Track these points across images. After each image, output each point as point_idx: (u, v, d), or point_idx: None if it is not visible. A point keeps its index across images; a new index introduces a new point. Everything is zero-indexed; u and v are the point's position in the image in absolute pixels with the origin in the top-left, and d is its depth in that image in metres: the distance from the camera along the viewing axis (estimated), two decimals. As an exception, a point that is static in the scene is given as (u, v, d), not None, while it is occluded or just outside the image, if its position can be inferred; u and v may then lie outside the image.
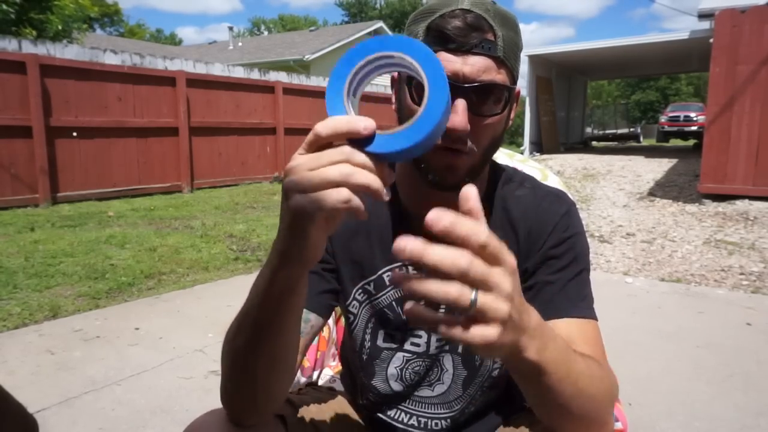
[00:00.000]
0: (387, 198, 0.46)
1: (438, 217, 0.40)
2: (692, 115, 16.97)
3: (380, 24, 21.06)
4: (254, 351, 0.59)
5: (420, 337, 0.79)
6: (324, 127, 0.46)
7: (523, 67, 12.23)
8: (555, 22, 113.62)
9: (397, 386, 0.82)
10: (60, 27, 10.75)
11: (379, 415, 0.84)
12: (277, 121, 9.36)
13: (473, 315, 0.41)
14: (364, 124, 0.45)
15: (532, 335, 0.48)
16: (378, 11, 40.30)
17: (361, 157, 0.45)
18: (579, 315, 0.70)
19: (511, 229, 0.77)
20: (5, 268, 3.53)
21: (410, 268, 0.78)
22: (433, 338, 0.79)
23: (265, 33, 40.97)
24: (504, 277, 0.42)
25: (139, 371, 2.20)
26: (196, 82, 8.06)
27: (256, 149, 9.15)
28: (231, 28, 23.28)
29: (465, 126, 0.62)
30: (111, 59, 7.55)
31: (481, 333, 0.41)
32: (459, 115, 0.62)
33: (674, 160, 10.32)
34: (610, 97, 40.72)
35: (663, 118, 18.55)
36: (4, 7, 9.65)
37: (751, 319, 2.86)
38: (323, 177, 0.44)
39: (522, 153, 9.77)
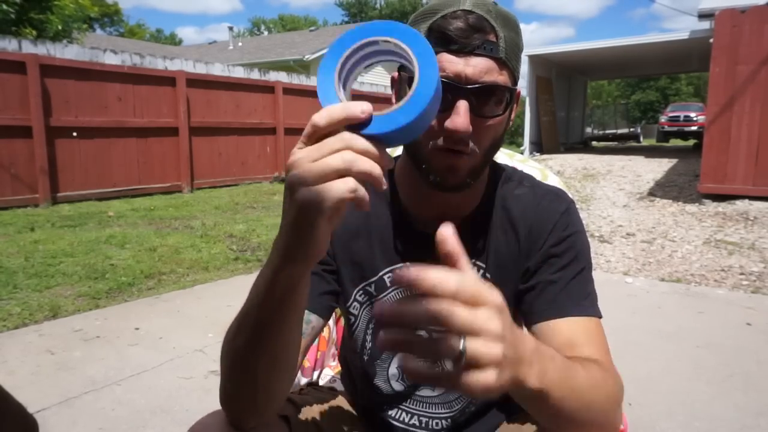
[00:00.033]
0: (385, 186, 0.46)
1: (401, 275, 0.39)
2: (692, 115, 16.97)
3: (380, 24, 21.01)
4: (255, 351, 0.58)
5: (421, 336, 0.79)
6: (321, 117, 0.45)
7: (523, 67, 12.21)
8: (555, 22, 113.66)
9: (398, 386, 0.82)
10: (60, 27, 10.75)
11: (380, 415, 0.84)
12: (277, 121, 9.37)
13: (466, 363, 0.39)
14: (360, 107, 0.45)
15: (531, 363, 0.46)
16: (378, 11, 40.31)
17: (361, 142, 0.45)
18: (582, 313, 0.70)
19: (511, 228, 0.77)
20: (5, 268, 3.53)
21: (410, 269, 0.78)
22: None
23: (265, 33, 40.98)
24: (490, 317, 0.40)
25: (139, 371, 2.20)
26: (196, 82, 8.06)
27: (256, 149, 9.15)
28: (231, 28, 23.29)
29: (467, 127, 0.62)
30: (111, 59, 7.55)
31: (478, 380, 0.39)
32: (461, 117, 0.62)
33: (674, 160, 10.32)
34: (610, 97, 40.72)
35: (663, 118, 18.55)
36: (4, 7, 9.64)
37: (751, 319, 2.86)
38: (327, 166, 0.44)
39: (522, 153, 9.77)
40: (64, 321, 2.76)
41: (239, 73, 9.54)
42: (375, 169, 0.45)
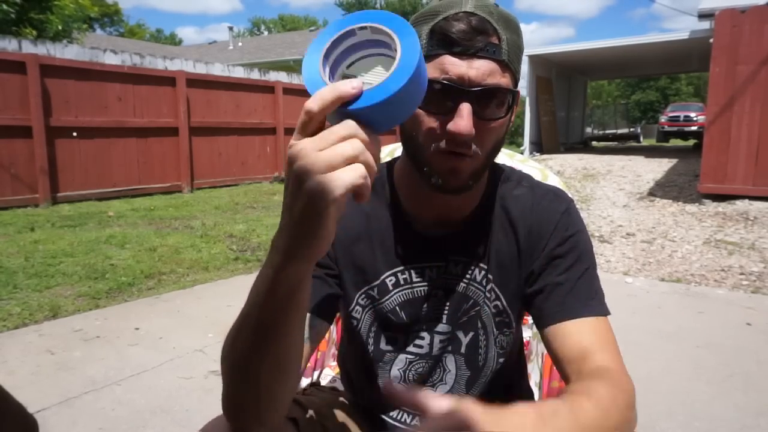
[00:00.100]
0: (378, 175, 0.47)
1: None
2: (692, 115, 16.96)
3: (380, 24, 21.03)
4: (257, 355, 0.56)
5: (423, 338, 0.79)
6: (313, 102, 0.45)
7: (524, 67, 12.18)
8: (555, 22, 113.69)
9: (399, 388, 0.82)
10: (60, 27, 10.74)
11: (382, 416, 0.84)
12: (277, 121, 9.36)
13: None
14: (350, 84, 0.45)
15: None
16: (378, 11, 40.23)
17: (364, 133, 0.45)
18: (591, 313, 0.70)
19: (510, 228, 0.77)
20: (5, 268, 3.53)
21: (411, 270, 0.78)
22: (436, 339, 0.79)
23: (265, 33, 40.98)
24: None
25: (139, 371, 2.20)
26: (196, 82, 8.06)
27: (256, 149, 9.15)
28: (231, 28, 23.29)
29: (470, 130, 0.62)
30: (111, 59, 7.55)
31: None
32: (464, 119, 0.61)
33: (674, 160, 10.32)
34: (610, 97, 40.71)
35: (663, 118, 18.54)
36: (5, 7, 9.65)
37: (751, 319, 2.86)
38: (337, 154, 0.43)
39: (522, 153, 9.77)
40: (64, 321, 2.76)
41: (239, 73, 9.55)
42: (377, 157, 0.46)
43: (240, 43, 22.63)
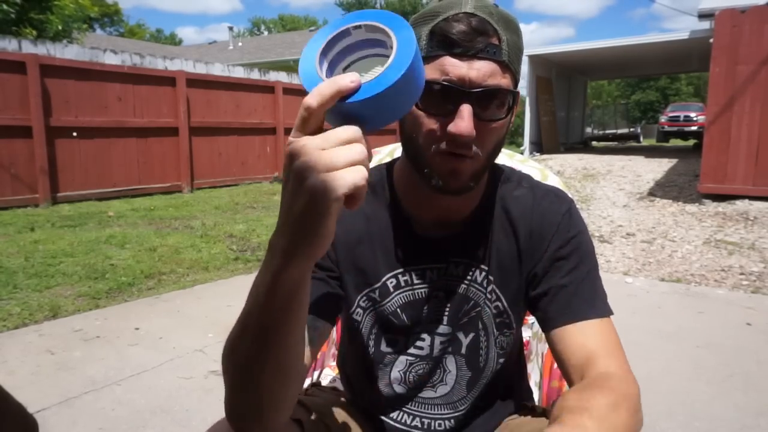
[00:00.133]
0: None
1: None
2: (692, 115, 16.96)
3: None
4: (259, 360, 0.55)
5: (423, 340, 0.79)
6: (312, 98, 0.44)
7: (523, 67, 12.16)
8: (555, 22, 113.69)
9: (400, 389, 0.82)
10: (60, 27, 10.74)
11: (382, 417, 0.84)
12: (277, 121, 9.37)
13: None
14: (348, 78, 0.45)
15: None
16: (378, 11, 40.23)
17: (364, 139, 0.46)
18: (596, 315, 0.70)
19: (511, 229, 0.77)
20: (5, 268, 3.53)
21: (412, 272, 0.78)
22: (437, 341, 0.79)
23: (265, 33, 40.98)
24: None
25: (139, 371, 2.20)
26: (196, 82, 8.06)
27: (256, 149, 9.15)
28: (231, 28, 23.29)
29: (471, 132, 0.62)
30: (111, 59, 7.55)
31: None
32: (465, 121, 0.61)
33: (674, 160, 10.33)
34: (610, 97, 40.71)
35: (663, 118, 18.54)
36: (5, 7, 9.64)
37: (751, 319, 2.86)
38: (342, 155, 0.43)
39: (522, 153, 9.77)
40: (64, 321, 2.76)
41: (239, 73, 9.54)
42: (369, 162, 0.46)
43: (240, 43, 22.64)
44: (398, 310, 0.78)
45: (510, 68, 0.65)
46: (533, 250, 0.75)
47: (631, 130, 25.62)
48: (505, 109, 0.66)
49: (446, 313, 0.78)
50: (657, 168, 9.14)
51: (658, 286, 3.54)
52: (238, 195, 7.58)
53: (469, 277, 0.77)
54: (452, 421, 0.82)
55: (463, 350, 0.79)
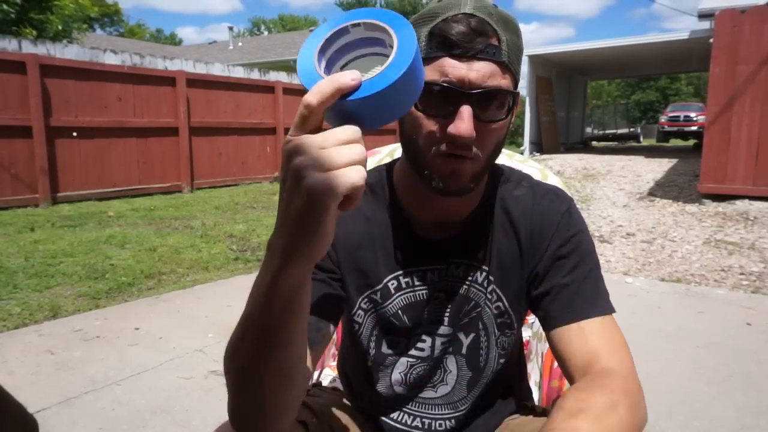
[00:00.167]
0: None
1: None
2: (692, 115, 16.96)
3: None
4: (261, 364, 0.54)
5: (424, 341, 0.79)
6: (312, 96, 0.43)
7: (523, 67, 12.20)
8: (555, 22, 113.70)
9: (400, 390, 0.82)
10: (60, 27, 10.75)
11: (383, 417, 0.84)
12: (277, 121, 9.37)
13: None
14: (349, 75, 0.44)
15: None
16: (378, 11, 40.24)
17: (362, 140, 0.45)
18: (598, 313, 0.70)
19: (512, 229, 0.77)
20: (5, 268, 3.53)
21: (413, 274, 0.78)
22: (438, 342, 0.79)
23: (265, 33, 40.99)
24: None
25: (139, 371, 2.20)
26: (196, 82, 8.06)
27: (256, 149, 9.15)
28: (231, 28, 23.28)
29: (471, 133, 0.61)
30: (111, 59, 7.56)
31: None
32: (465, 122, 0.61)
33: (674, 160, 10.33)
34: (610, 97, 40.71)
35: (663, 118, 18.54)
36: (5, 7, 9.65)
37: (751, 319, 2.86)
38: (342, 155, 0.43)
39: (522, 153, 9.78)
40: (64, 321, 2.76)
41: (239, 73, 9.55)
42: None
43: (240, 43, 22.63)
44: (399, 311, 0.78)
45: (510, 69, 0.65)
46: (534, 249, 0.75)
47: (631, 130, 25.62)
48: (505, 109, 0.65)
49: (447, 314, 0.78)
50: (657, 168, 9.14)
51: (658, 286, 3.54)
52: (238, 195, 7.58)
53: (469, 278, 0.77)
54: (453, 421, 0.82)
55: (464, 350, 0.79)
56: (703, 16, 7.95)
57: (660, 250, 4.42)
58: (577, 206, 0.80)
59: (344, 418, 0.84)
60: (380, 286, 0.78)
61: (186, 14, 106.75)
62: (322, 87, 0.44)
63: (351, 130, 0.44)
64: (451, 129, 0.62)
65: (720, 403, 2.00)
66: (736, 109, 5.94)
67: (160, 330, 2.66)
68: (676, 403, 1.99)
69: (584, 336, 0.68)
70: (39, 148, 6.13)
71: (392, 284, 0.78)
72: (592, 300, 0.71)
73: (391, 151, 1.13)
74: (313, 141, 0.43)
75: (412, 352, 0.80)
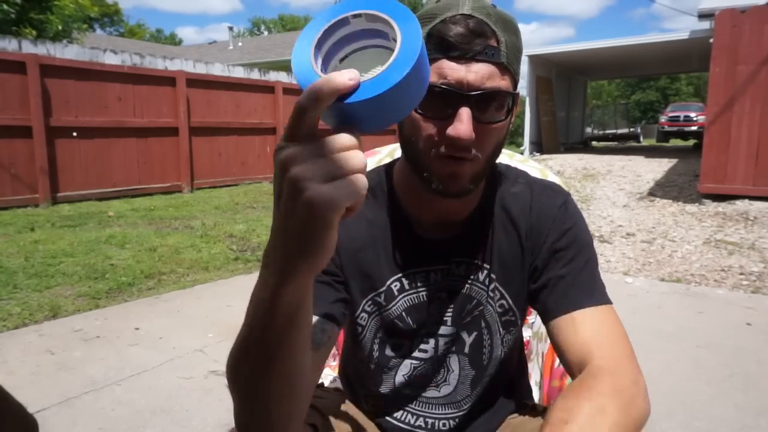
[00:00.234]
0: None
1: None
2: (692, 115, 16.96)
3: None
4: (264, 375, 0.53)
5: (427, 342, 0.79)
6: (306, 98, 0.39)
7: (523, 67, 12.22)
8: (555, 22, 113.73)
9: (404, 390, 0.82)
10: (60, 27, 10.74)
11: (386, 417, 0.84)
12: (277, 121, 9.36)
13: None
14: (347, 75, 0.40)
15: None
16: (378, 11, 40.22)
17: (360, 147, 0.42)
18: (595, 303, 0.70)
19: (512, 227, 0.77)
20: (5, 268, 3.53)
21: (415, 275, 0.78)
22: (441, 342, 0.79)
23: (265, 33, 40.99)
24: None
25: (139, 371, 2.20)
26: (196, 82, 8.06)
27: (256, 149, 9.15)
28: (231, 28, 23.29)
29: (470, 135, 0.61)
30: (111, 59, 7.56)
31: None
32: (464, 124, 0.61)
33: (674, 160, 10.33)
34: (610, 97, 40.72)
35: (663, 118, 18.54)
36: (5, 7, 9.64)
37: (751, 319, 2.86)
38: (343, 165, 0.40)
39: (522, 153, 9.78)
40: (64, 321, 2.76)
41: (239, 73, 9.54)
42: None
43: (240, 43, 22.63)
44: (403, 313, 0.78)
45: (509, 69, 0.64)
46: (533, 244, 0.76)
47: (631, 130, 25.62)
48: (504, 111, 0.65)
49: (450, 314, 0.78)
50: (657, 168, 9.14)
51: (658, 286, 3.54)
52: (238, 195, 7.58)
53: (471, 277, 0.77)
54: (455, 420, 0.82)
55: (467, 349, 0.80)
56: (703, 16, 7.95)
57: (660, 250, 4.42)
58: (577, 207, 0.80)
59: (347, 418, 0.84)
60: (384, 288, 0.78)
61: (186, 14, 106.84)
62: (318, 89, 0.39)
63: (350, 136, 0.41)
64: (450, 131, 0.62)
65: (720, 403, 2.00)
66: (736, 109, 5.94)
67: (160, 330, 2.66)
68: (676, 403, 1.99)
69: (579, 327, 0.68)
70: (39, 148, 6.13)
71: (395, 286, 0.77)
72: (588, 291, 0.71)
73: (391, 152, 1.13)
74: (311, 149, 0.40)
75: (416, 354, 0.80)
